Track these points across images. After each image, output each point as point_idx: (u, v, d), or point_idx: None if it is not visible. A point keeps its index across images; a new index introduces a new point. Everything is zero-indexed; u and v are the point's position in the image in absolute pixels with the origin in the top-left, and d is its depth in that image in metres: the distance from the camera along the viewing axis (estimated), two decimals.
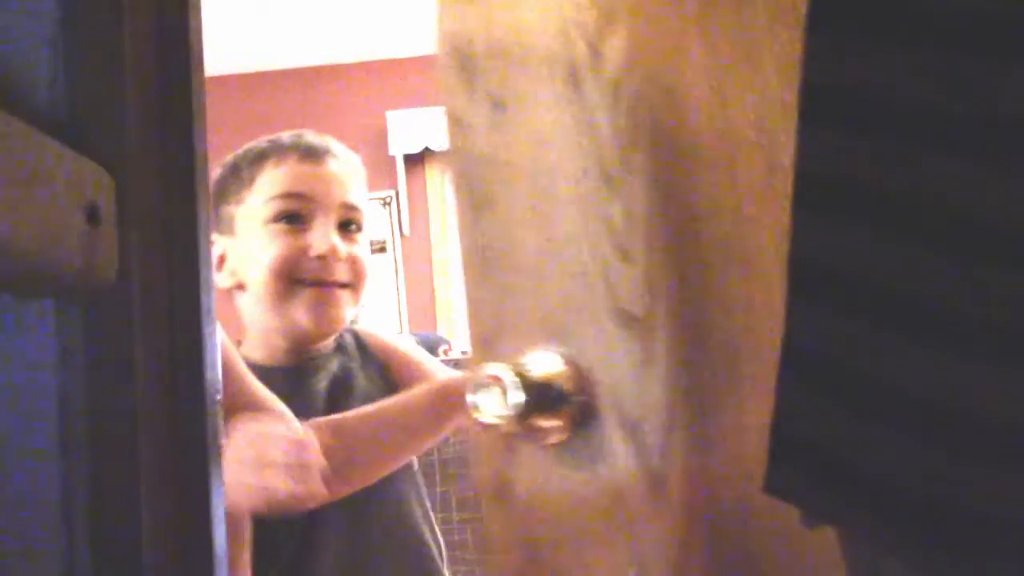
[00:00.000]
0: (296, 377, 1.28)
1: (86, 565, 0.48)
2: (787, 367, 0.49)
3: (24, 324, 0.46)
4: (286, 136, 1.31)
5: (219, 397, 0.59)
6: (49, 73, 0.49)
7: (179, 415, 0.54)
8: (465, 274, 0.88)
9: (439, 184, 4.67)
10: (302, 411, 1.22)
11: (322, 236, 1.24)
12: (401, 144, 4.21)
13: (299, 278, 1.24)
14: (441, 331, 4.42)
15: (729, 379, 0.72)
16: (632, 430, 0.77)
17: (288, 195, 1.25)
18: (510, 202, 0.84)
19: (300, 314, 1.25)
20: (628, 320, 0.77)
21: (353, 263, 1.28)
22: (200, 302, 0.56)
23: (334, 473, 1.07)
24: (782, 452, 0.49)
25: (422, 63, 3.99)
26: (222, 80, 4.30)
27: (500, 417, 0.78)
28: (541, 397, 0.79)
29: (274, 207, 1.25)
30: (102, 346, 0.49)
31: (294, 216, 1.25)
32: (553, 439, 0.81)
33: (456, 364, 1.95)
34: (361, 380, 1.34)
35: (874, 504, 0.46)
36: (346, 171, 1.31)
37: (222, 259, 1.28)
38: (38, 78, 0.48)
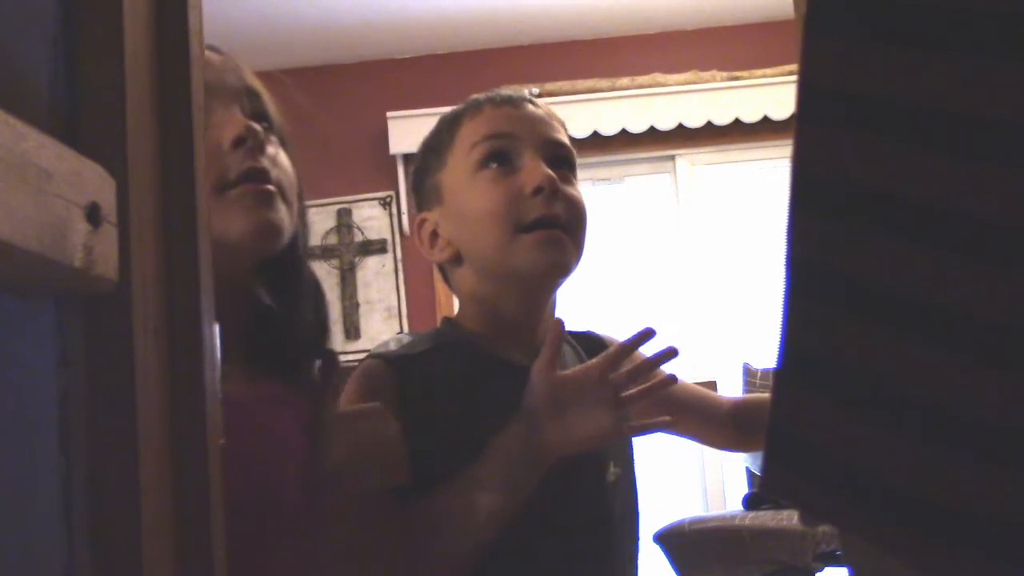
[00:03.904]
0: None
1: (86, 565, 0.48)
2: (785, 367, 0.49)
3: (24, 324, 0.46)
4: (479, 95, 1.25)
5: (219, 397, 0.59)
6: (49, 73, 0.49)
7: (179, 414, 0.54)
8: None
9: None
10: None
11: (534, 169, 1.15)
12: (401, 144, 4.20)
13: (521, 223, 1.14)
14: None
15: None
16: None
17: (491, 136, 1.18)
18: None
19: (526, 259, 1.13)
20: None
21: (570, 203, 1.17)
22: (200, 302, 0.56)
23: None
24: (780, 451, 0.49)
25: (422, 63, 3.98)
26: None
27: None
28: None
29: (479, 152, 1.17)
30: (102, 346, 0.49)
31: (501, 157, 1.17)
32: None
33: None
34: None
35: (874, 504, 0.46)
36: (547, 112, 1.23)
37: (434, 233, 1.20)
38: (38, 78, 0.48)
